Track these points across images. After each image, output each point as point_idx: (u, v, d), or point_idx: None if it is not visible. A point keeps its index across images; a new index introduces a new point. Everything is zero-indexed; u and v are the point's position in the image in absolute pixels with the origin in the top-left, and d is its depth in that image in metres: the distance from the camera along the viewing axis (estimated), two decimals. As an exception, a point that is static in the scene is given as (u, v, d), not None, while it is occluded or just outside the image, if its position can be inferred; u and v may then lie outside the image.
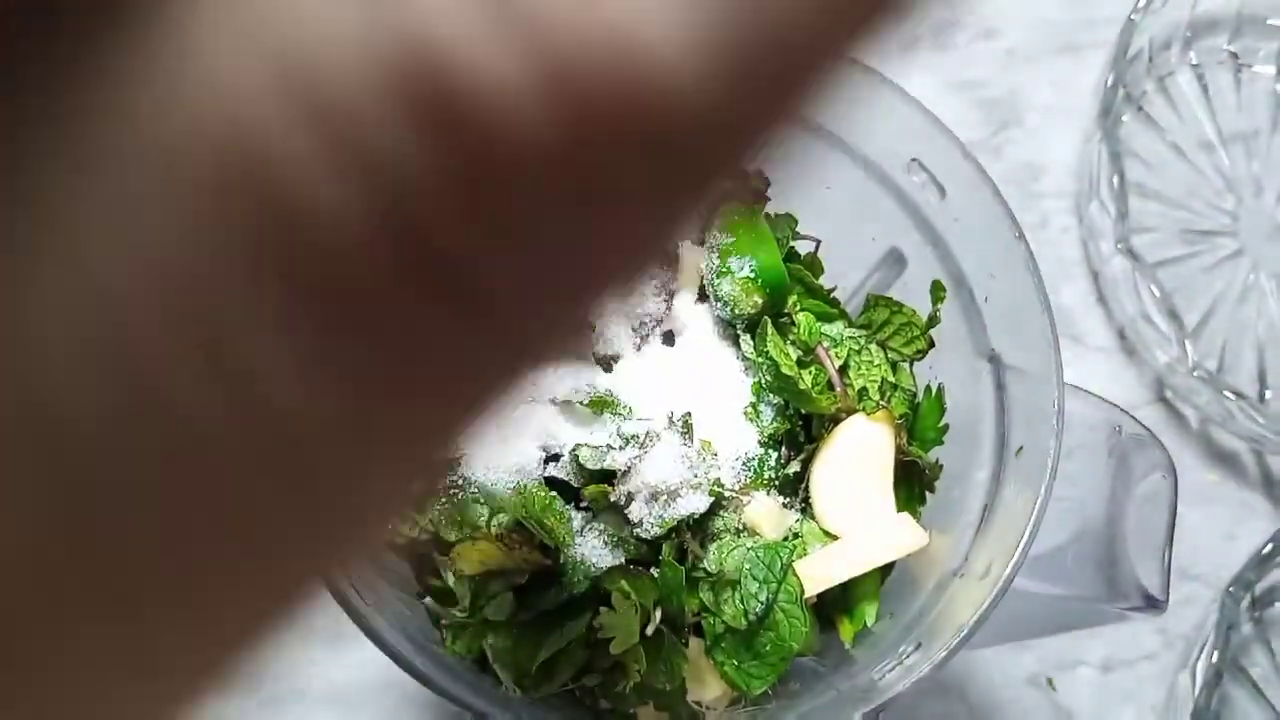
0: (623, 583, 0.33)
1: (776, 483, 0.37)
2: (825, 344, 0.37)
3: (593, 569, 0.33)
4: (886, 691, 0.28)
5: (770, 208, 0.40)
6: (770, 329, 0.36)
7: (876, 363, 0.37)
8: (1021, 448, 0.32)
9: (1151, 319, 0.56)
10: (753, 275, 0.37)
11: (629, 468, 0.34)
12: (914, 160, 0.34)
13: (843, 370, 0.37)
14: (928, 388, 0.38)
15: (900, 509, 0.36)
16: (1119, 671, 0.55)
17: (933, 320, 0.37)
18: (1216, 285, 0.59)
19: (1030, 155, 0.64)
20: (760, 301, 0.37)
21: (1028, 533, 0.28)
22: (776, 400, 0.37)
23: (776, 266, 0.37)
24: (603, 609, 0.33)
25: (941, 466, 0.37)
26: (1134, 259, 0.55)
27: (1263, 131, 0.62)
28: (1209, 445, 0.59)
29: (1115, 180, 0.55)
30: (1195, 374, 0.54)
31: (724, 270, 0.37)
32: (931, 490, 0.37)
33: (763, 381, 0.37)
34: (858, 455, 0.36)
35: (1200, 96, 0.62)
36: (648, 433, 0.35)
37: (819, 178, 0.37)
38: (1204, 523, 0.58)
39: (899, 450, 0.36)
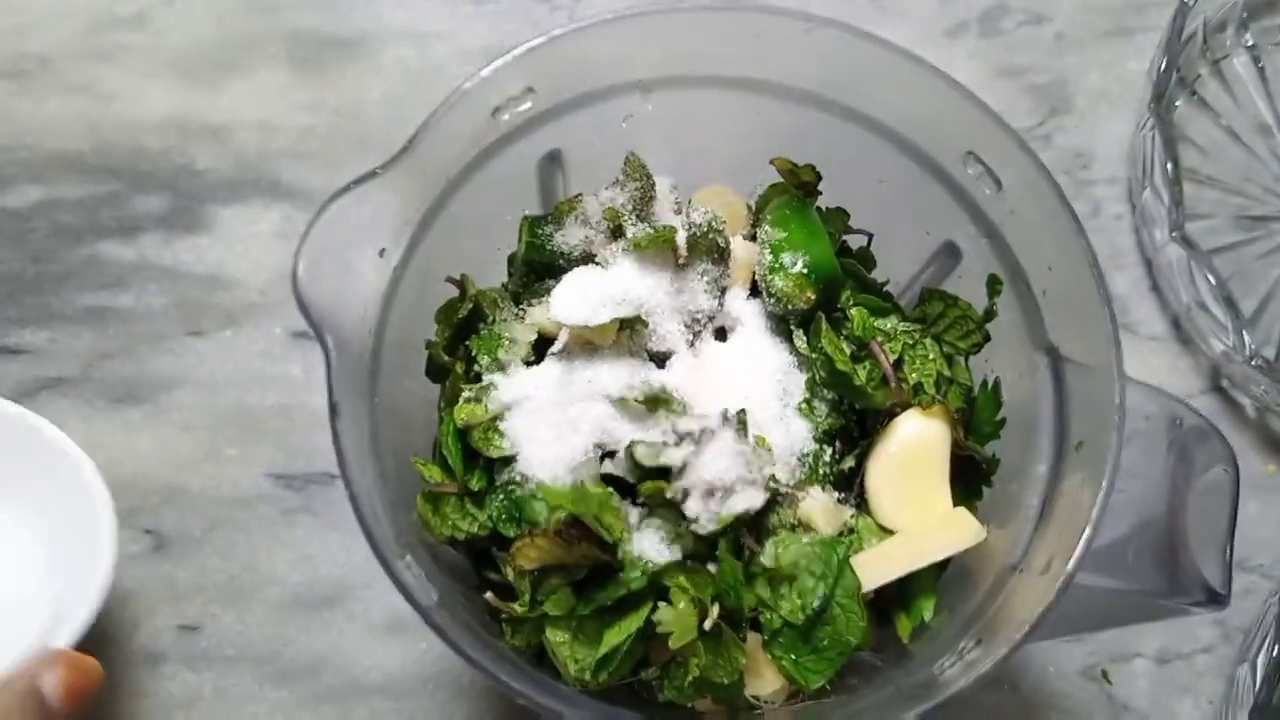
0: (680, 578, 0.33)
1: (831, 478, 0.37)
2: (879, 339, 0.37)
3: (650, 565, 0.33)
4: (948, 687, 0.28)
5: (822, 202, 0.40)
6: (824, 324, 0.36)
7: (931, 357, 0.37)
8: (1082, 442, 0.31)
9: (1207, 307, 0.55)
10: (805, 271, 0.37)
11: (684, 464, 0.34)
12: (969, 153, 0.34)
13: (897, 365, 0.37)
14: (984, 381, 0.38)
15: (957, 504, 0.36)
16: (1175, 664, 0.55)
17: (989, 314, 0.37)
18: (1274, 272, 0.58)
19: (1080, 142, 0.63)
20: (813, 297, 0.37)
21: (1090, 528, 0.28)
22: (830, 395, 0.37)
23: (830, 261, 0.37)
24: (660, 604, 0.33)
25: (999, 461, 0.37)
26: (1188, 246, 0.54)
27: (1322, 114, 0.61)
28: (1266, 435, 0.58)
29: (1169, 166, 0.55)
30: (1253, 363, 0.53)
31: (776, 266, 0.37)
32: (989, 484, 0.37)
33: (817, 377, 0.37)
34: (913, 450, 0.36)
35: (1256, 79, 0.61)
36: (703, 429, 0.35)
37: (871, 171, 0.37)
38: (1262, 513, 0.57)
39: (955, 444, 0.36)
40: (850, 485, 0.37)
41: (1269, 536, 0.57)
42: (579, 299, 0.37)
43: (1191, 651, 0.55)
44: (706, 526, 0.34)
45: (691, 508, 0.34)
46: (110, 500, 0.43)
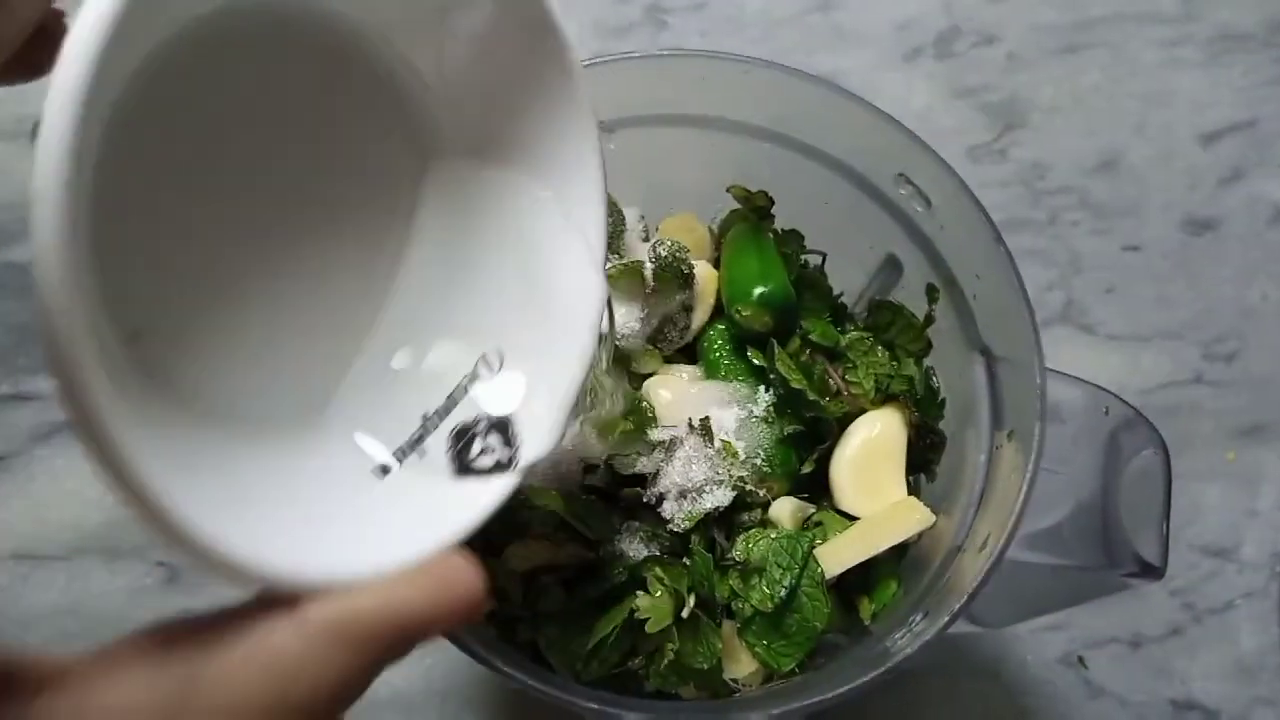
0: (657, 570, 0.36)
1: (796, 477, 0.40)
2: (834, 365, 0.40)
3: (631, 560, 0.36)
4: (897, 655, 0.30)
5: (777, 224, 0.43)
6: (778, 349, 0.39)
7: (883, 361, 0.40)
8: (1012, 431, 0.34)
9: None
10: (763, 299, 0.40)
11: (657, 471, 0.37)
12: (900, 175, 0.37)
13: (852, 369, 0.40)
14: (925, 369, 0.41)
15: (910, 493, 0.39)
16: (1148, 647, 0.57)
17: (928, 320, 0.40)
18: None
19: (1036, 154, 0.66)
20: (770, 321, 0.40)
21: (1019, 506, 0.31)
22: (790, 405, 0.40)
23: (785, 290, 0.40)
24: (639, 593, 0.36)
25: (946, 437, 0.40)
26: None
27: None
28: (1225, 423, 0.60)
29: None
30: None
31: (737, 294, 0.40)
32: (938, 463, 0.40)
33: (776, 392, 0.40)
34: (870, 447, 0.39)
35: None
36: (671, 439, 0.38)
37: (817, 194, 0.40)
38: (1222, 499, 0.59)
39: (911, 423, 0.39)
40: (814, 482, 0.40)
41: (1232, 521, 0.59)
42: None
43: (1162, 635, 0.57)
44: (681, 525, 0.37)
45: (667, 510, 0.37)
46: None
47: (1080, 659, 0.57)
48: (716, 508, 0.37)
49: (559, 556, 0.35)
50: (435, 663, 0.55)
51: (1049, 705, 0.56)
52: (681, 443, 0.38)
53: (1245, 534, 0.59)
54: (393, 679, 0.55)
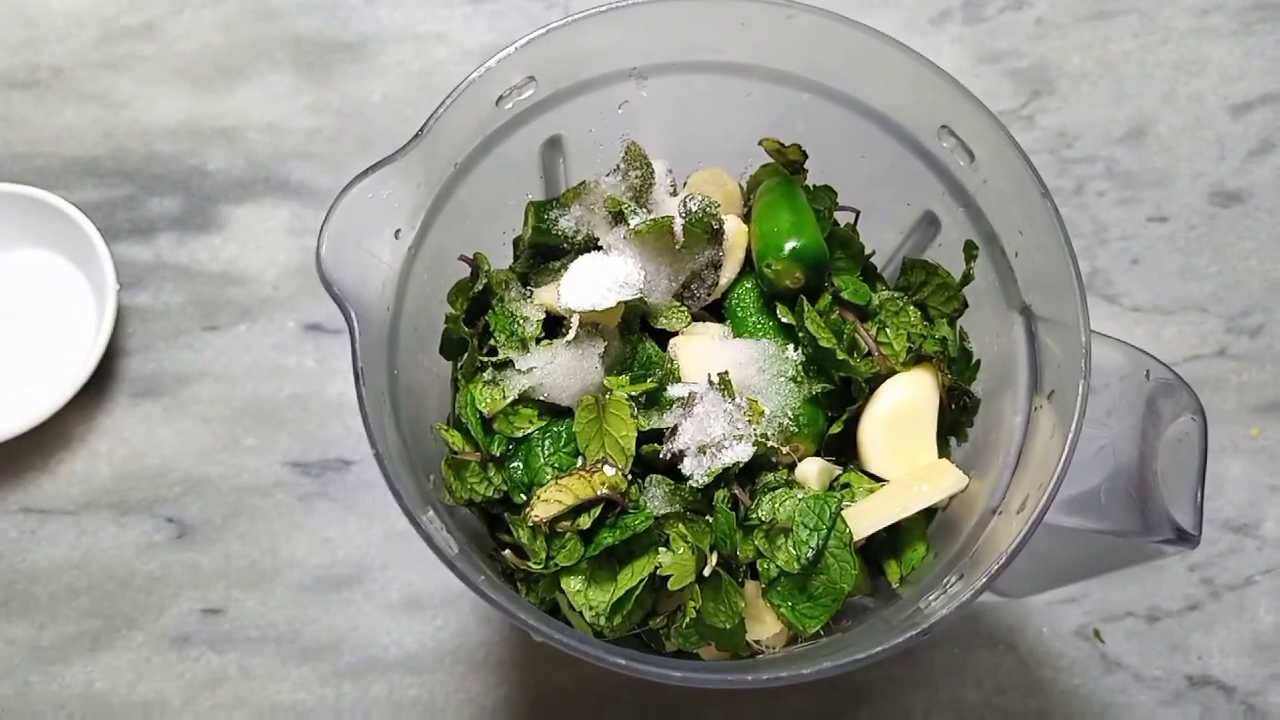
0: (680, 527, 0.35)
1: (823, 438, 0.39)
2: (865, 325, 0.39)
3: (654, 510, 0.35)
4: (931, 617, 0.30)
5: (809, 179, 0.42)
6: (808, 307, 0.38)
7: (914, 322, 0.39)
8: (1053, 391, 0.33)
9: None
10: (795, 254, 0.39)
11: (676, 426, 0.37)
12: (943, 127, 0.36)
13: (881, 329, 0.39)
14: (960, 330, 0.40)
15: (941, 455, 0.38)
16: (1165, 622, 0.57)
17: (966, 278, 0.39)
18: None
19: (1063, 122, 0.65)
20: (801, 278, 0.39)
21: (1060, 466, 0.30)
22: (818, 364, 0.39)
23: (818, 244, 0.39)
24: (661, 549, 0.35)
25: (980, 400, 0.39)
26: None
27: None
28: (1249, 400, 0.60)
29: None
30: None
31: (768, 249, 0.39)
32: (970, 425, 0.39)
33: (804, 351, 0.39)
34: (901, 408, 0.38)
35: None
36: (690, 393, 0.37)
37: (854, 148, 0.39)
38: (1245, 475, 0.59)
39: (943, 386, 0.38)
40: (841, 444, 0.39)
41: (1254, 497, 0.59)
42: (587, 285, 0.39)
43: (1180, 609, 0.57)
44: (701, 480, 0.36)
45: (688, 467, 0.37)
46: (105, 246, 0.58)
47: (1096, 632, 0.56)
48: (736, 463, 0.36)
49: (590, 488, 0.34)
50: (444, 624, 0.55)
51: (1064, 678, 0.56)
52: (700, 398, 0.37)
53: (1267, 510, 0.58)
54: (403, 640, 0.55)
